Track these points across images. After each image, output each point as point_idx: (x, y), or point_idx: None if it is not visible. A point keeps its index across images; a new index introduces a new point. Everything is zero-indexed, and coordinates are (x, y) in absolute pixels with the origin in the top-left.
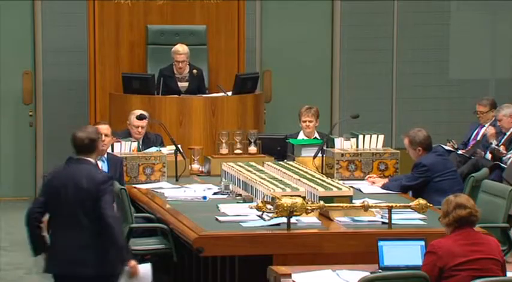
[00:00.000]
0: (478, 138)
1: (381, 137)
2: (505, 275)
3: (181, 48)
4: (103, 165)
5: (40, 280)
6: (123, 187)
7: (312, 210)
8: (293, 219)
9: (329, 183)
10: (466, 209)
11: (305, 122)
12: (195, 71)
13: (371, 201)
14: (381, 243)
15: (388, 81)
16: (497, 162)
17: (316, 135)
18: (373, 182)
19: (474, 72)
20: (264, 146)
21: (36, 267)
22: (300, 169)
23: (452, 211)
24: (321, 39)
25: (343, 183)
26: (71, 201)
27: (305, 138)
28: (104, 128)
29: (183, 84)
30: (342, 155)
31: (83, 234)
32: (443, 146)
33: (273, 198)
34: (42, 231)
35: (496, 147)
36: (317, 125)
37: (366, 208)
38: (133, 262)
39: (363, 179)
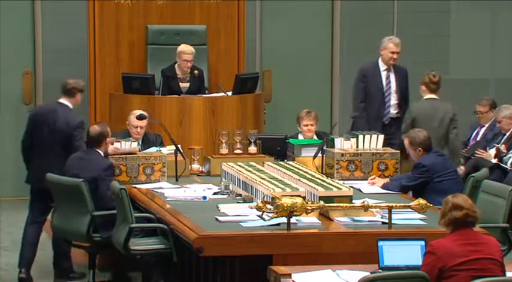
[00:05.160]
0: (478, 138)
1: (381, 137)
2: (505, 275)
3: (187, 48)
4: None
5: (40, 280)
6: (123, 187)
7: (312, 210)
8: (293, 219)
9: (329, 183)
10: (462, 210)
11: (307, 125)
12: (196, 71)
13: (371, 201)
14: (380, 243)
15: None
16: (498, 162)
17: (314, 136)
18: (373, 183)
19: (474, 72)
20: (264, 146)
21: (36, 267)
22: (300, 169)
23: (448, 213)
24: (321, 39)
25: (343, 183)
26: (50, 136)
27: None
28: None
29: (184, 85)
30: (342, 155)
31: (56, 160)
32: None
33: (273, 198)
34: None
35: (497, 146)
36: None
37: (366, 208)
38: None
39: (363, 179)
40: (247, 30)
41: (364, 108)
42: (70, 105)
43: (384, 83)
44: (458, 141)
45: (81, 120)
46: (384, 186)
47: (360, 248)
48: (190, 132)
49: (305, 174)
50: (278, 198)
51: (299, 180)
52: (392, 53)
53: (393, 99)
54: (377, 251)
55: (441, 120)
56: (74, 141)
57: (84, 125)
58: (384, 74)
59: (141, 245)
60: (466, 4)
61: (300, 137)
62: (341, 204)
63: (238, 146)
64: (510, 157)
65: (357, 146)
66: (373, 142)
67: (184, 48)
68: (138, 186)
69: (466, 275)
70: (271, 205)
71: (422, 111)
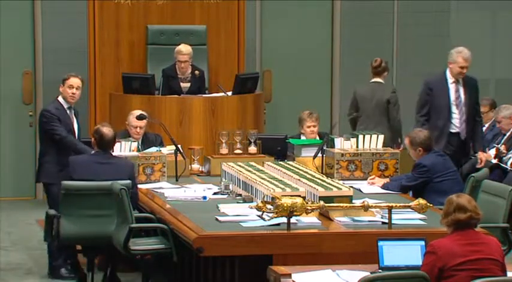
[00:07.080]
0: None
1: (381, 137)
2: (505, 275)
3: (184, 48)
4: None
5: (40, 280)
6: (123, 187)
7: (312, 210)
8: (293, 219)
9: (329, 183)
10: (466, 212)
11: (309, 127)
12: (197, 72)
13: (371, 201)
14: (380, 243)
15: (389, 81)
16: (498, 162)
17: (316, 137)
18: (373, 182)
19: (474, 72)
20: (264, 146)
21: (37, 267)
22: (300, 169)
23: (452, 213)
24: (321, 39)
25: (343, 183)
26: None
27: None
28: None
29: (185, 85)
30: (342, 155)
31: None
32: None
33: (273, 198)
34: None
35: (497, 146)
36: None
37: (366, 208)
38: None
39: (363, 179)
40: (247, 30)
41: (425, 122)
42: (60, 96)
43: (453, 96)
44: (395, 121)
45: (47, 108)
46: (383, 186)
47: (360, 248)
48: (190, 132)
49: (305, 174)
50: (278, 198)
51: (299, 180)
52: (462, 68)
53: (464, 114)
54: (377, 251)
55: (376, 102)
56: (43, 129)
57: (50, 115)
58: (452, 87)
59: (141, 245)
60: (466, 4)
61: (302, 137)
62: (341, 204)
63: (238, 146)
64: (510, 157)
65: (357, 146)
66: (373, 142)
67: (181, 48)
68: (138, 186)
69: (466, 275)
70: (271, 205)
71: (360, 94)
